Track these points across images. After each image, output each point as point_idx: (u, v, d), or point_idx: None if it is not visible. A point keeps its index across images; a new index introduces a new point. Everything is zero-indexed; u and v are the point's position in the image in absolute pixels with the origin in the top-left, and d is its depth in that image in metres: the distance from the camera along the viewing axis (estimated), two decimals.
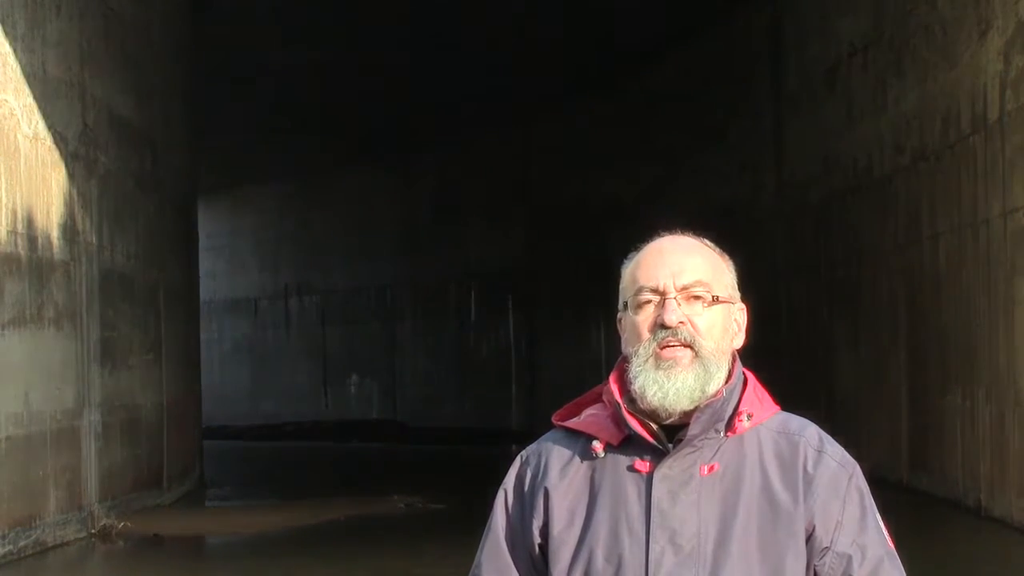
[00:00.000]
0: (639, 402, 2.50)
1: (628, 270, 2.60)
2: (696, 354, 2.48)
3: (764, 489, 2.48)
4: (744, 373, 2.57)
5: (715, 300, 2.53)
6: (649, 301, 2.52)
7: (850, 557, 2.47)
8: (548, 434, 2.67)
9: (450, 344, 31.05)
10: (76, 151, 13.69)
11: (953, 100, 13.69)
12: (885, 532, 2.53)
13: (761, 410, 2.53)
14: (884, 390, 16.03)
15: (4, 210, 11.98)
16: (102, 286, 14.37)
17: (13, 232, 12.15)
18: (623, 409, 2.52)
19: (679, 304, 2.50)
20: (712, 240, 2.72)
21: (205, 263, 24.90)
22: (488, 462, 23.44)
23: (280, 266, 35.82)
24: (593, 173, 25.71)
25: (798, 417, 2.59)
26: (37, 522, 12.50)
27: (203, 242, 22.73)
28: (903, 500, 14.60)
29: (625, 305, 2.57)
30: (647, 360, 2.49)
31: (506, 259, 28.74)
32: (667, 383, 2.47)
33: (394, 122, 28.00)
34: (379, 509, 15.69)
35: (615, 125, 25.10)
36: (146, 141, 16.42)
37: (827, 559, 2.47)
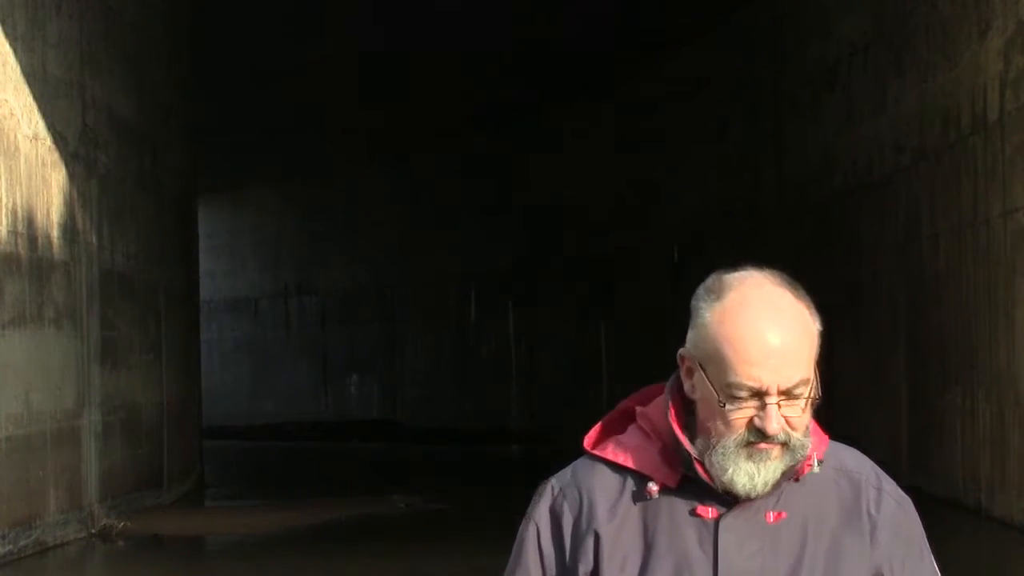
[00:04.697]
0: (714, 481, 2.39)
1: (714, 331, 2.37)
2: (788, 445, 2.38)
3: (830, 535, 2.43)
4: None
5: (815, 399, 2.39)
6: (746, 398, 2.35)
7: None
8: (581, 463, 2.51)
9: (450, 344, 31.05)
10: (76, 151, 13.69)
11: (953, 100, 13.69)
12: (936, 568, 2.53)
13: (819, 447, 2.45)
14: (884, 390, 16.03)
15: (4, 210, 11.98)
16: (102, 286, 14.38)
17: (13, 232, 12.15)
18: (695, 461, 2.40)
19: (780, 407, 2.35)
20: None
21: (205, 263, 24.90)
22: (488, 462, 23.52)
23: (280, 266, 35.81)
24: (593, 172, 25.70)
25: (847, 448, 2.54)
26: (37, 522, 12.50)
27: (203, 242, 22.73)
28: None
29: (702, 366, 2.38)
30: (737, 449, 2.37)
31: (506, 259, 28.74)
32: (758, 476, 2.36)
33: (394, 122, 28.00)
34: (379, 509, 15.69)
35: (615, 125, 25.11)
36: (146, 141, 16.42)
37: None
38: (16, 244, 12.23)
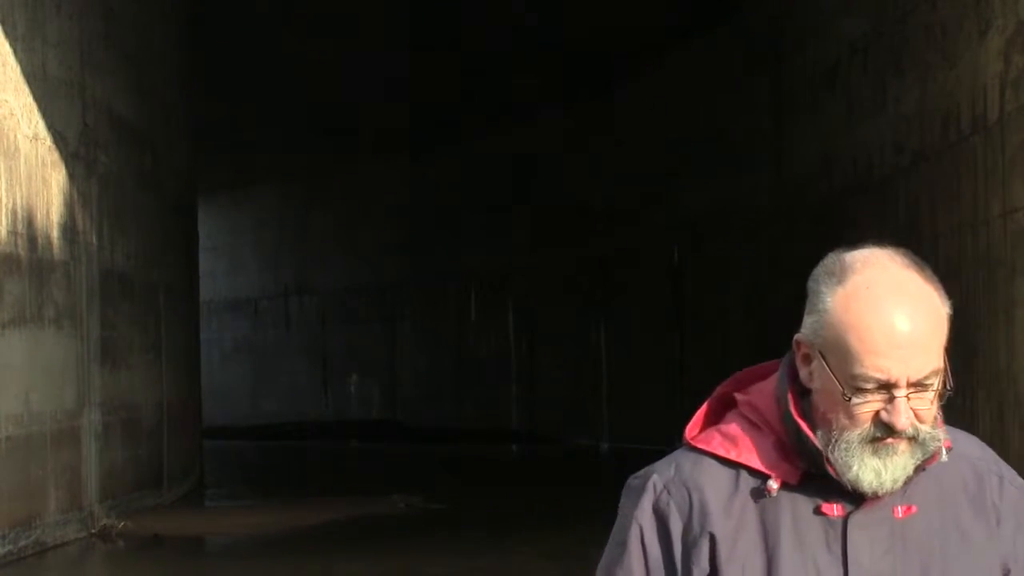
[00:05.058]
0: (839, 478, 2.22)
1: (837, 318, 2.21)
2: (916, 439, 2.21)
3: (959, 528, 2.30)
4: None
5: (944, 389, 2.24)
6: (872, 390, 2.18)
7: None
8: (684, 457, 2.30)
9: (450, 344, 31.05)
10: (76, 151, 13.69)
11: (953, 100, 13.69)
12: None
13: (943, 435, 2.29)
14: None
15: (4, 210, 11.99)
16: (102, 286, 14.38)
17: (13, 232, 12.15)
18: (824, 458, 2.21)
19: (909, 400, 2.19)
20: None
21: (205, 263, 24.91)
22: (488, 462, 23.52)
23: (280, 266, 35.83)
24: (593, 173, 25.71)
25: (963, 432, 2.41)
26: (37, 522, 12.50)
27: (203, 242, 22.74)
28: None
29: (823, 355, 2.21)
30: (861, 444, 2.19)
31: (506, 259, 28.75)
32: (885, 473, 2.19)
33: (395, 122, 28.01)
34: (379, 509, 15.69)
35: (615, 125, 25.11)
36: (146, 141, 16.42)
37: None
38: (16, 244, 12.23)
